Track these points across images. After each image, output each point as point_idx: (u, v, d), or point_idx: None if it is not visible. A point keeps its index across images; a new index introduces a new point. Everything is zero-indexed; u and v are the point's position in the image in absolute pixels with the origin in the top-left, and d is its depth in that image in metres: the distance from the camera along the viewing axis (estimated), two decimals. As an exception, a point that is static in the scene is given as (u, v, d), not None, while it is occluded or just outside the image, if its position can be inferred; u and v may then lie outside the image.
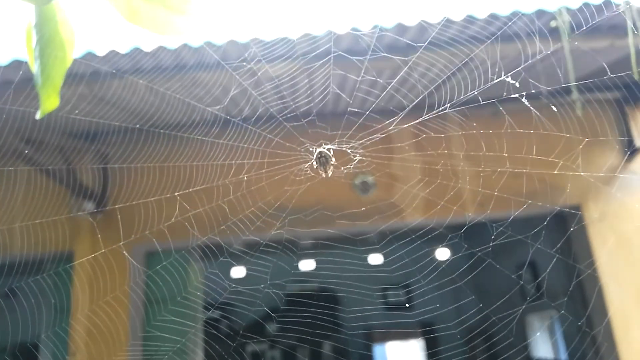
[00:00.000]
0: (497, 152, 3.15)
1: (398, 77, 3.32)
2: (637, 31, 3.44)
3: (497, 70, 2.49)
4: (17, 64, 3.28)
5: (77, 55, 3.37)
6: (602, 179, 4.62)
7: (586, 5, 3.39)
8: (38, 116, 0.97)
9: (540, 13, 3.46)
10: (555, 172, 3.18)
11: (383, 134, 2.62)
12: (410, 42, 3.33)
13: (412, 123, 2.76)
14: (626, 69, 3.39)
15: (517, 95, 2.37)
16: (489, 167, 3.44)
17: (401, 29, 3.34)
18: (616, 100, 4.86)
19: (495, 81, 2.44)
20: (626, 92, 4.63)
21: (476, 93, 2.47)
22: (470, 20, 3.34)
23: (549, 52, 3.34)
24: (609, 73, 2.85)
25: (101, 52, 3.34)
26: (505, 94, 2.38)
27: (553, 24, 3.48)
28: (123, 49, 3.34)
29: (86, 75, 3.34)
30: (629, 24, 3.37)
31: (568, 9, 3.43)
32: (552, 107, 2.71)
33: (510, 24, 3.32)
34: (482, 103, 2.53)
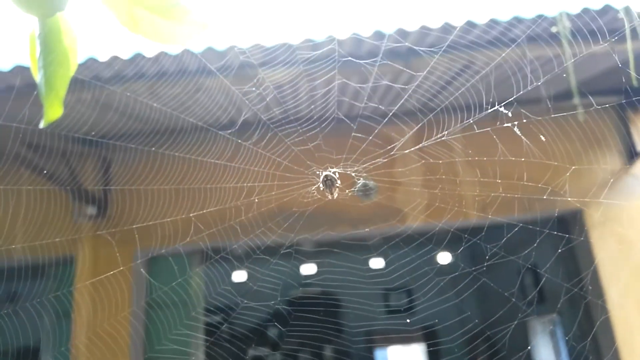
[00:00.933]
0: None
1: (399, 103, 3.42)
2: (636, 36, 3.45)
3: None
4: (19, 70, 3.30)
5: (79, 61, 3.40)
6: (606, 186, 4.63)
7: (586, 10, 3.40)
8: (42, 125, 0.98)
9: (541, 19, 3.46)
10: (545, 197, 3.24)
11: (385, 158, 2.70)
12: (410, 50, 3.36)
13: (412, 149, 2.84)
14: (626, 74, 3.40)
15: (509, 124, 2.43)
16: (492, 183, 3.49)
17: (402, 34, 3.36)
18: (617, 105, 4.87)
19: (490, 111, 2.50)
20: (627, 97, 4.63)
21: (472, 121, 2.53)
22: (470, 26, 3.36)
23: (550, 57, 3.35)
24: (609, 78, 2.87)
25: (103, 57, 3.36)
26: (498, 123, 2.45)
27: (554, 29, 3.49)
28: (125, 55, 3.36)
29: (96, 83, 3.37)
30: (627, 29, 3.38)
31: (568, 15, 3.44)
32: (541, 137, 2.78)
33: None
34: (477, 131, 2.59)
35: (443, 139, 2.56)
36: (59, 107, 0.96)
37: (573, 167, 3.21)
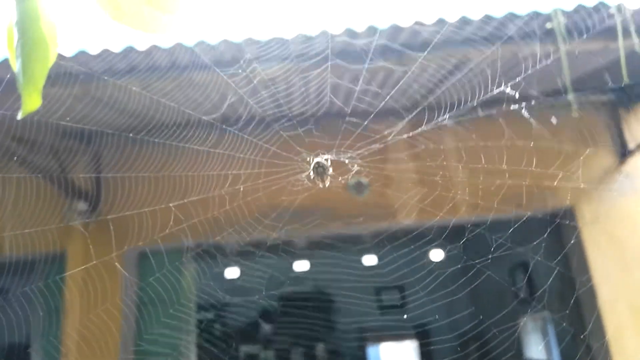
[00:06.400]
0: (496, 164, 3.10)
1: (397, 86, 3.27)
2: (629, 34, 3.44)
3: (496, 77, 2.46)
4: (7, 63, 3.25)
5: (70, 54, 3.35)
6: (598, 184, 4.60)
7: (580, 7, 3.39)
8: (19, 117, 0.95)
9: (535, 15, 3.45)
10: (555, 183, 3.11)
11: (381, 144, 2.58)
12: (404, 46, 3.31)
13: (411, 134, 2.72)
14: (620, 71, 3.39)
15: (516, 106, 2.34)
16: (488, 179, 3.38)
17: (396, 30, 3.32)
18: (610, 102, 4.87)
19: (495, 92, 2.40)
20: (619, 95, 4.63)
21: (475, 104, 2.44)
22: (464, 22, 3.33)
23: (544, 54, 3.33)
24: (604, 75, 2.85)
25: (94, 51, 3.31)
26: (505, 104, 2.35)
27: (549, 26, 3.47)
28: (116, 48, 3.31)
29: (80, 75, 3.30)
30: (619, 26, 3.37)
31: (563, 12, 3.43)
32: (552, 119, 2.68)
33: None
34: (480, 115, 2.50)
35: (445, 122, 2.45)
36: (38, 98, 0.92)
37: (588, 149, 3.11)
